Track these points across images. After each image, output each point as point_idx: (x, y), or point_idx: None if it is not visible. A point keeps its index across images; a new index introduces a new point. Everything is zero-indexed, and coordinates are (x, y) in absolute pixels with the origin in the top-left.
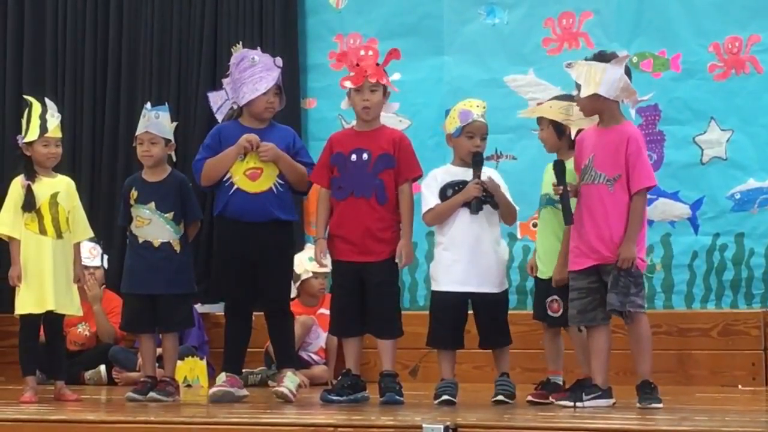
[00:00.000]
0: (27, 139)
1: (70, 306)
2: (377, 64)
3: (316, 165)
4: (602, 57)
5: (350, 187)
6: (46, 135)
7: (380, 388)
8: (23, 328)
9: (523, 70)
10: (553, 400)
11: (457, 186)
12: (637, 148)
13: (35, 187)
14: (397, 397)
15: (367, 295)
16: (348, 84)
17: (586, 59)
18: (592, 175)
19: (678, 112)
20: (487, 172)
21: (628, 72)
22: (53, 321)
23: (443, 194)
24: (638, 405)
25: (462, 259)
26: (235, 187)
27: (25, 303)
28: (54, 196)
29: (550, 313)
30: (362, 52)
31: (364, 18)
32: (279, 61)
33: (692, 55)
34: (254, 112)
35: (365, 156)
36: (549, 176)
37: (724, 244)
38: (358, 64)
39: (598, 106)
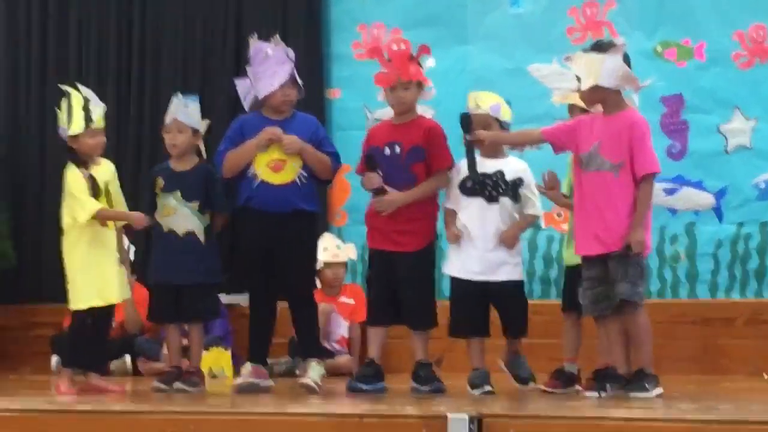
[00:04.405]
0: (72, 132)
1: (125, 290)
2: (411, 57)
3: (361, 157)
4: (600, 47)
5: (385, 181)
6: (91, 126)
7: (419, 377)
8: (81, 321)
9: (547, 60)
10: (581, 390)
11: (476, 177)
12: (640, 134)
13: None
14: (442, 387)
15: (399, 286)
16: (380, 84)
17: (584, 51)
18: (597, 162)
19: (702, 101)
20: (521, 166)
21: (627, 59)
22: (108, 314)
23: (463, 186)
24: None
25: (469, 248)
26: (259, 179)
27: (89, 296)
28: (106, 184)
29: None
30: (394, 46)
31: (387, 7)
32: (291, 53)
33: (716, 44)
34: (272, 105)
35: (397, 149)
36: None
37: (748, 233)
38: (390, 59)
39: (599, 97)
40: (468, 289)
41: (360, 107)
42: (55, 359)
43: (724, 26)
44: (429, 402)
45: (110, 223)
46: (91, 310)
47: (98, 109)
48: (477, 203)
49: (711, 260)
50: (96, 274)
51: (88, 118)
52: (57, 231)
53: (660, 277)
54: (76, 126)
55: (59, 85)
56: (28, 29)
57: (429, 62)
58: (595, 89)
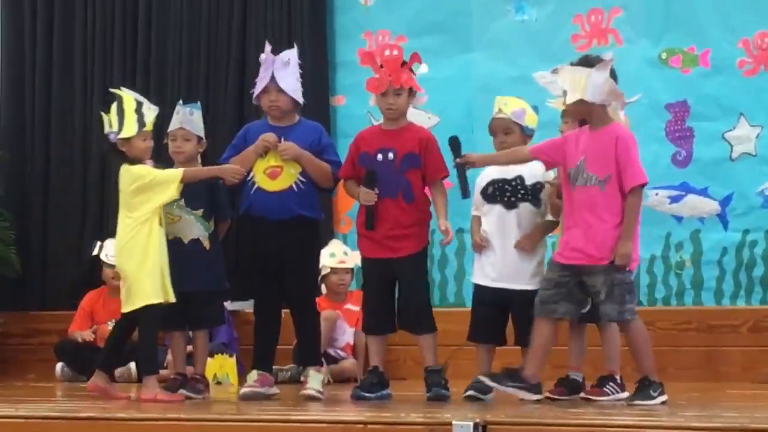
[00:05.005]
0: (124, 135)
1: None
2: (404, 63)
3: (345, 161)
4: (587, 62)
5: (379, 188)
6: (144, 129)
7: (426, 383)
8: (152, 319)
9: (552, 67)
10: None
11: (498, 183)
12: (625, 148)
13: None
14: (443, 392)
15: (400, 291)
16: (372, 90)
17: (571, 64)
18: (584, 177)
19: (707, 109)
20: (542, 169)
21: (613, 74)
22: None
23: (485, 192)
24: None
25: (489, 254)
26: (256, 185)
27: (151, 293)
28: None
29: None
30: (387, 52)
31: (392, 15)
32: (280, 60)
33: (721, 51)
34: (264, 111)
35: (390, 155)
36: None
37: (753, 240)
38: (382, 66)
39: (584, 110)
40: (485, 295)
41: (365, 114)
42: (59, 366)
43: (730, 34)
44: (434, 409)
45: (162, 222)
46: (155, 308)
47: (150, 112)
48: (497, 210)
49: (716, 267)
50: (157, 271)
51: (141, 122)
52: (61, 238)
53: (665, 284)
54: (129, 129)
55: (110, 89)
56: (33, 43)
57: (422, 68)
58: (581, 103)
